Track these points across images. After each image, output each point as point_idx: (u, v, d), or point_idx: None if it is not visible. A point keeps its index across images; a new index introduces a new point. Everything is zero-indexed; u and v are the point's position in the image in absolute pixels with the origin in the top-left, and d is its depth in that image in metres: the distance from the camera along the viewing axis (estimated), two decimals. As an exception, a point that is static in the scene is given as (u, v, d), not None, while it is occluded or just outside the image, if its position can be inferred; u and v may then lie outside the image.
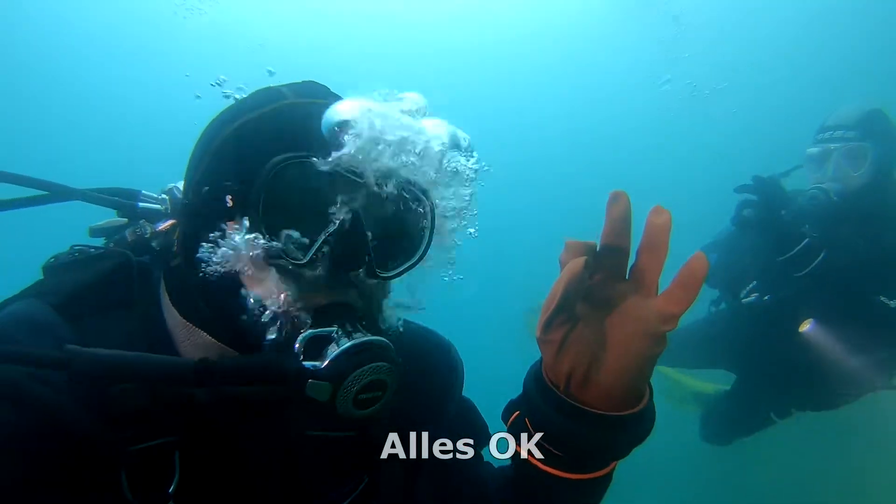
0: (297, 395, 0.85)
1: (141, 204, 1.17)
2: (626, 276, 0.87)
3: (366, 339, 0.88)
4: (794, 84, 10.37)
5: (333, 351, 0.85)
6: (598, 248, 0.86)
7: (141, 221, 1.12)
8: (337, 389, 0.85)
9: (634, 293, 0.85)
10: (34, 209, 1.23)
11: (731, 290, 3.45)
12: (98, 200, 1.18)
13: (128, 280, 1.02)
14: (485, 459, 1.25)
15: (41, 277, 1.05)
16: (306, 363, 0.85)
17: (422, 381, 1.18)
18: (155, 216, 1.13)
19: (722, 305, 3.70)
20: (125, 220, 1.17)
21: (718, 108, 9.62)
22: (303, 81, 1.04)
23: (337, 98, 0.99)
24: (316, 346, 0.87)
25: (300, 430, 1.05)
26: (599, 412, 0.85)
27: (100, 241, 1.16)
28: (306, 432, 1.06)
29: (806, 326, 3.29)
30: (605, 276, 0.87)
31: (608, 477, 0.97)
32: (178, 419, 0.91)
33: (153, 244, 1.09)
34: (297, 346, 0.86)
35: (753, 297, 3.34)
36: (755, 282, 3.34)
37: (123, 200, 1.17)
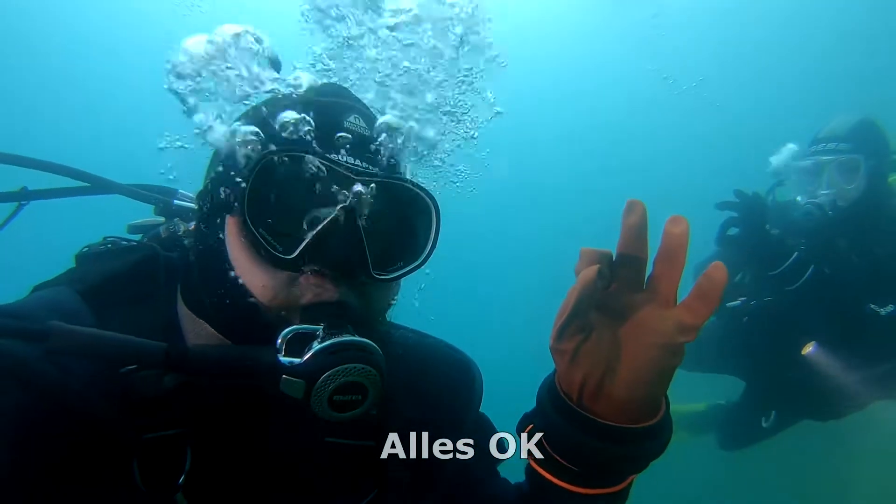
0: (271, 389, 0.85)
1: (176, 202, 1.21)
2: (644, 287, 0.86)
3: (347, 339, 0.86)
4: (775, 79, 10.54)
5: (312, 348, 0.85)
6: (614, 258, 0.85)
7: (175, 219, 1.16)
8: (310, 388, 0.84)
9: (652, 303, 0.83)
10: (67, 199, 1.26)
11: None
12: (138, 196, 1.21)
13: (153, 273, 1.05)
14: (501, 476, 1.25)
15: (73, 266, 1.08)
16: (284, 359, 0.85)
17: (438, 395, 1.17)
18: (189, 215, 1.16)
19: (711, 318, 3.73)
20: (163, 219, 1.20)
21: (700, 102, 9.76)
22: (321, 84, 1.05)
23: (350, 96, 1.02)
24: (301, 344, 0.86)
25: (317, 435, 1.06)
26: (610, 423, 0.83)
27: (136, 238, 1.18)
28: (325, 438, 1.06)
29: (809, 349, 3.31)
30: (621, 286, 0.85)
31: (625, 492, 0.94)
32: (193, 411, 0.92)
33: (185, 242, 1.11)
34: (278, 341, 0.86)
35: (739, 301, 3.38)
36: (745, 298, 3.38)
37: (162, 197, 1.21)
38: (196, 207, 1.02)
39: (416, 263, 1.00)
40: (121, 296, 1.00)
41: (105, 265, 1.04)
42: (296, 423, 1.02)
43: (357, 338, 0.87)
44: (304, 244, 0.88)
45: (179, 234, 1.13)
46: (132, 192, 1.22)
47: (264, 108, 0.98)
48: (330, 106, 0.96)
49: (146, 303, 1.01)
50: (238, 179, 0.89)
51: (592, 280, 0.79)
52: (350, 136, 0.94)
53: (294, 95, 0.97)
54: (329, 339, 0.85)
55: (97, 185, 1.22)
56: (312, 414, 0.86)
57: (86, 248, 1.10)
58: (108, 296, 0.98)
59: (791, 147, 3.37)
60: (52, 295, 0.96)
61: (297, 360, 0.85)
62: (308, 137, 0.91)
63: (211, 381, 0.89)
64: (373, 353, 0.88)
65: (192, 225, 1.11)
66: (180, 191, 1.23)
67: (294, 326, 0.87)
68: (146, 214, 1.23)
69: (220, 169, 0.94)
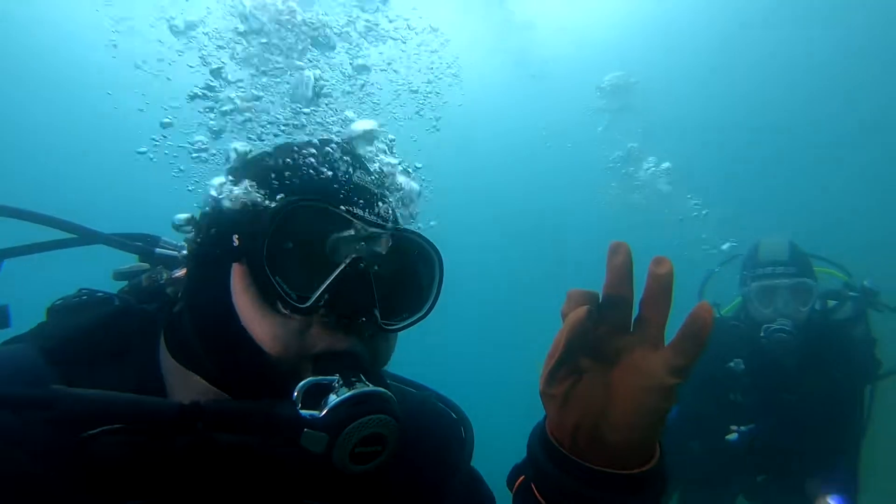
0: (291, 444, 0.83)
1: (158, 250, 1.19)
2: (631, 329, 0.83)
3: (367, 390, 0.86)
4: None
5: (333, 400, 0.84)
6: (600, 300, 0.83)
7: (158, 267, 1.14)
8: (334, 441, 0.83)
9: (640, 345, 0.81)
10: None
11: (711, 434, 3.42)
12: (121, 246, 1.20)
13: (126, 326, 1.02)
14: None
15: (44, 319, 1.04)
16: (303, 412, 0.83)
17: (427, 454, 1.14)
18: (173, 263, 1.15)
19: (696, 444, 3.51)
20: (147, 265, 1.19)
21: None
22: (319, 139, 1.08)
23: (351, 151, 1.05)
24: (315, 396, 0.85)
25: (294, 498, 1.00)
26: (607, 470, 0.79)
27: (122, 285, 1.17)
28: (303, 501, 1.01)
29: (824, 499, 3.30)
30: (609, 329, 0.83)
31: None
32: (158, 479, 0.87)
33: (168, 290, 1.09)
34: (294, 393, 0.85)
35: (735, 435, 3.33)
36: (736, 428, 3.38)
37: (145, 246, 1.19)
38: (189, 256, 1.02)
39: (421, 314, 1.02)
40: (92, 352, 0.96)
41: (75, 319, 1.01)
42: (270, 487, 0.98)
43: (376, 388, 0.87)
44: (318, 293, 0.89)
45: (161, 282, 1.11)
46: (115, 242, 1.21)
47: (270, 160, 1.00)
48: (336, 159, 0.99)
49: (121, 358, 0.98)
50: (254, 228, 0.89)
51: (582, 322, 0.77)
52: (360, 189, 0.97)
53: (299, 149, 0.99)
54: (348, 390, 0.85)
55: (83, 236, 1.20)
56: (331, 468, 0.84)
57: (59, 301, 1.07)
58: (77, 352, 0.95)
59: None
60: (11, 353, 0.92)
61: (316, 413, 0.83)
62: (321, 190, 0.94)
63: (227, 438, 0.87)
64: (391, 402, 0.88)
65: (175, 273, 1.10)
66: (163, 238, 1.22)
67: (310, 378, 0.87)
68: (131, 260, 1.22)
69: (231, 217, 0.94)
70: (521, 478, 0.90)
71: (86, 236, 1.19)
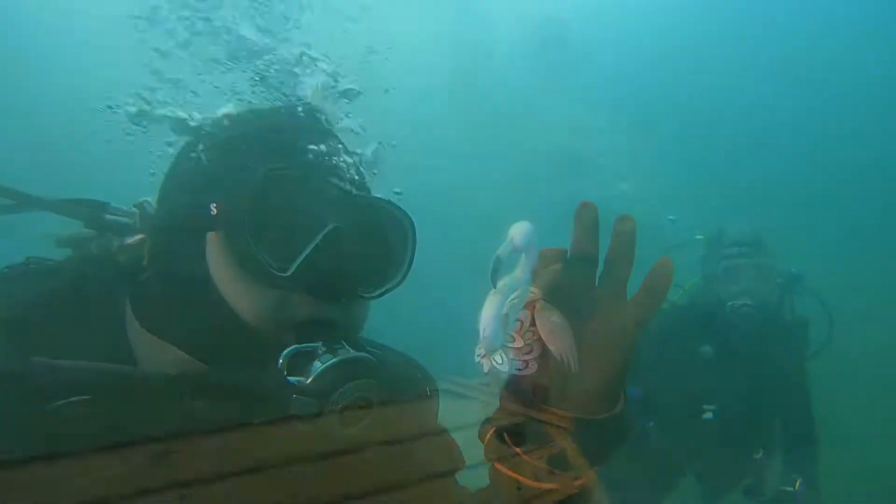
0: (280, 412, 0.84)
1: (108, 216, 1.12)
2: (596, 285, 0.87)
3: (351, 355, 0.88)
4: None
5: (318, 367, 0.86)
6: (568, 257, 0.87)
7: (108, 234, 1.08)
8: (322, 406, 0.85)
9: (605, 300, 0.86)
10: None
11: (675, 416, 3.46)
12: (65, 211, 1.12)
13: (85, 296, 0.98)
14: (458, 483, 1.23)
15: None
16: (292, 379, 0.85)
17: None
18: (124, 229, 1.09)
19: (650, 424, 3.54)
20: (93, 231, 1.12)
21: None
22: (286, 106, 1.09)
23: (320, 119, 1.04)
24: (298, 363, 0.87)
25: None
26: (581, 417, 0.85)
27: (66, 252, 1.11)
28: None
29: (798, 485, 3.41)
30: (576, 286, 0.87)
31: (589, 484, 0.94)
32: (134, 450, 0.83)
33: (120, 258, 1.05)
34: (280, 361, 0.86)
35: (710, 414, 3.40)
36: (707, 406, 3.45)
37: (93, 212, 1.12)
38: (151, 223, 0.99)
39: (396, 281, 1.03)
40: (51, 321, 0.93)
41: (26, 289, 0.97)
42: (257, 453, 0.97)
43: (359, 354, 0.89)
44: (299, 262, 0.89)
45: (113, 250, 1.06)
46: (60, 208, 1.13)
47: (238, 129, 0.98)
48: (307, 127, 0.98)
49: (80, 329, 0.94)
50: (234, 197, 0.88)
51: (556, 279, 0.83)
52: (335, 158, 0.97)
53: (268, 116, 1.00)
54: (332, 356, 0.87)
55: (23, 202, 1.10)
56: (320, 432, 0.86)
57: (6, 269, 1.01)
58: (31, 324, 0.91)
59: None
60: None
61: (303, 380, 0.85)
62: (298, 158, 0.93)
63: (215, 408, 0.87)
64: (374, 366, 0.91)
65: (127, 240, 1.05)
66: (111, 204, 1.14)
67: (295, 346, 0.87)
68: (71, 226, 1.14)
69: (206, 185, 0.92)
70: (493, 429, 0.93)
71: (26, 202, 1.11)
